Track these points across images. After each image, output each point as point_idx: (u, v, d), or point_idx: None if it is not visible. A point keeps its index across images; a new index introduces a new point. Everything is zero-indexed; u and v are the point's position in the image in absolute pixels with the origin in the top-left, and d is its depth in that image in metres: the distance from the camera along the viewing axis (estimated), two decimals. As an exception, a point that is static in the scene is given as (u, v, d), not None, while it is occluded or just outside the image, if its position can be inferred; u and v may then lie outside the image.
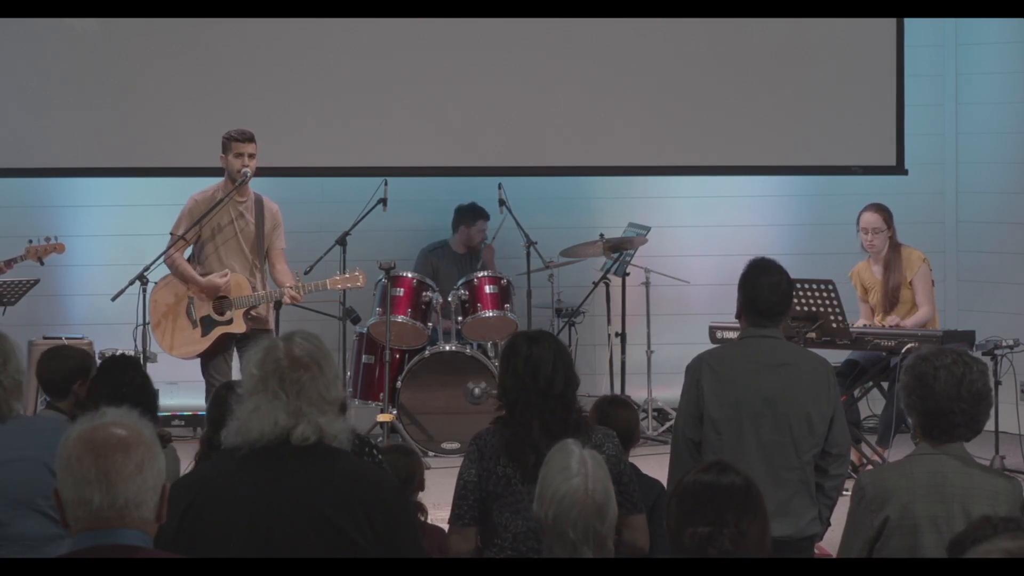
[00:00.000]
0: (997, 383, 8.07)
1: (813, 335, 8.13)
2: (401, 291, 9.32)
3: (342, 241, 8.97)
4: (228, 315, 8.25)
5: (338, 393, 3.73)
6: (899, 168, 10.21)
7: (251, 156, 8.24)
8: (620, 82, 9.99)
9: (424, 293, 9.36)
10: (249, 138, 8.26)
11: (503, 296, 9.40)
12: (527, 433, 4.62)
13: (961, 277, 10.56)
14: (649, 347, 10.02)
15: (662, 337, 10.03)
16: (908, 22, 10.18)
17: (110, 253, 9.86)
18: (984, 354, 8.24)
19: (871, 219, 8.73)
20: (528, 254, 9.38)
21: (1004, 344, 8.42)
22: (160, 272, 8.36)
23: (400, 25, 9.64)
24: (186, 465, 5.64)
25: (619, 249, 9.73)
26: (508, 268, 9.69)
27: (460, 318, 9.38)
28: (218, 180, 8.34)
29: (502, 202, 9.46)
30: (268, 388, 3.65)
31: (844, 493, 5.15)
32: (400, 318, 9.27)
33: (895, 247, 8.75)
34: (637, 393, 9.88)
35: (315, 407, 3.65)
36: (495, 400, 4.82)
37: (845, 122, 10.15)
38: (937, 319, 8.82)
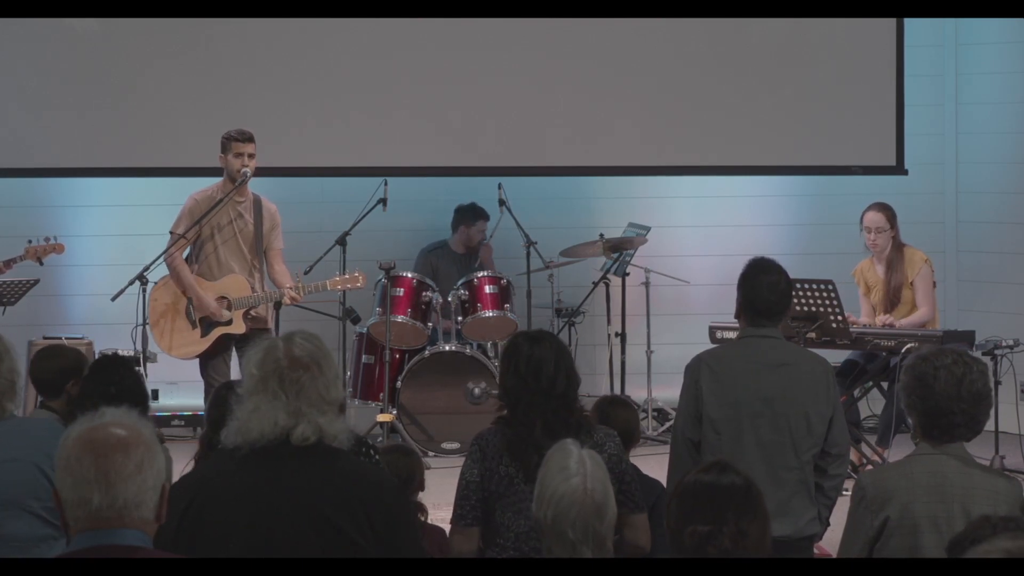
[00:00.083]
0: (997, 383, 8.07)
1: (813, 335, 8.13)
2: (401, 291, 9.32)
3: (342, 241, 8.98)
4: (227, 316, 8.25)
5: (338, 393, 3.73)
6: (899, 168, 10.21)
7: (251, 156, 8.24)
8: (620, 82, 9.99)
9: (424, 293, 9.36)
10: (249, 138, 8.26)
11: (503, 296, 9.40)
12: (529, 433, 4.62)
13: (961, 277, 10.56)
14: (649, 347, 10.02)
15: (662, 337, 10.03)
16: (908, 22, 10.18)
17: (110, 253, 9.86)
18: (984, 354, 8.24)
19: (874, 218, 8.74)
20: (528, 254, 9.38)
21: (1004, 344, 8.42)
22: (160, 272, 8.35)
23: (400, 25, 9.64)
24: (182, 465, 5.63)
25: (619, 249, 9.73)
26: (508, 268, 9.69)
27: (460, 318, 9.38)
28: (217, 180, 8.35)
29: (502, 202, 9.46)
30: (268, 388, 3.65)
31: (844, 493, 5.15)
32: (400, 318, 9.27)
33: (898, 247, 8.76)
34: (637, 393, 9.88)
35: (315, 407, 3.65)
36: (495, 400, 4.82)
37: (845, 122, 10.15)
38: (937, 320, 8.81)
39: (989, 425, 5.61)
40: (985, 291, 10.43)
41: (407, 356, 9.43)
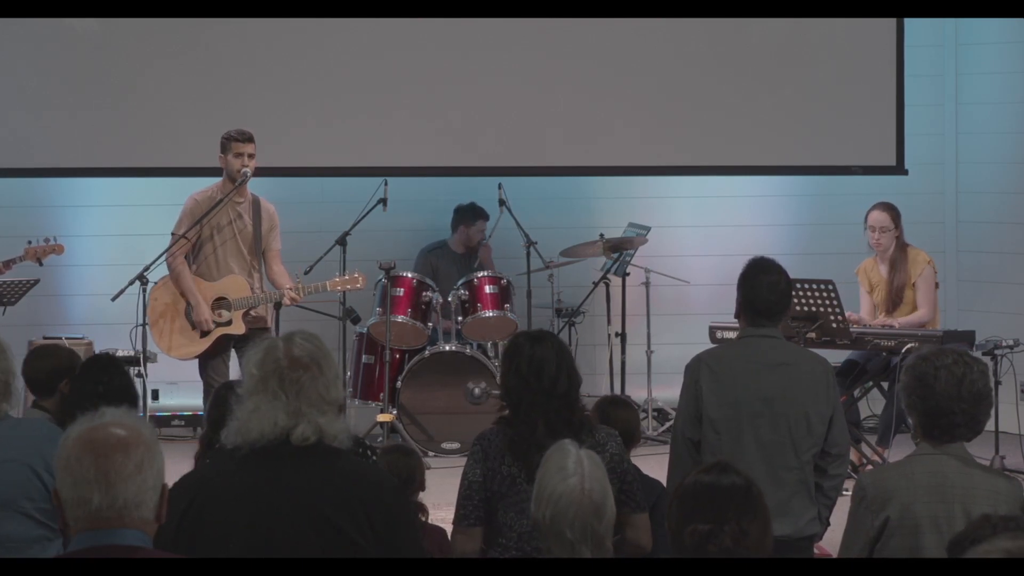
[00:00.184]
0: (997, 383, 8.07)
1: (813, 335, 8.13)
2: (401, 291, 9.32)
3: (342, 241, 8.98)
4: (227, 316, 8.25)
5: (338, 393, 3.73)
6: (899, 168, 10.21)
7: (250, 156, 8.24)
8: (620, 82, 9.99)
9: (424, 293, 9.35)
10: (248, 138, 8.26)
11: (503, 296, 9.40)
12: (531, 433, 4.62)
13: (961, 277, 10.55)
14: (649, 347, 10.02)
15: (662, 337, 10.03)
16: (908, 22, 10.17)
17: (110, 253, 9.86)
18: (984, 354, 8.24)
19: (879, 218, 8.74)
20: (528, 254, 9.38)
21: (1004, 344, 8.42)
22: (160, 272, 8.36)
23: (400, 25, 9.64)
24: (178, 465, 5.62)
25: (619, 249, 9.73)
26: (508, 268, 9.69)
27: (460, 318, 9.38)
28: (216, 180, 8.35)
29: (502, 202, 9.46)
30: (268, 388, 3.64)
31: (844, 493, 5.15)
32: (400, 318, 9.27)
33: (902, 247, 8.77)
34: (637, 393, 9.87)
35: (315, 407, 3.65)
36: (496, 400, 4.82)
37: (845, 122, 10.14)
38: (938, 320, 8.82)
39: (989, 425, 5.61)
40: (985, 291, 10.43)
41: (407, 356, 9.43)
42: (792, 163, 10.28)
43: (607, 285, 9.94)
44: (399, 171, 9.68)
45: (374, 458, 4.64)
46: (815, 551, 5.54)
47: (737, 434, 5.16)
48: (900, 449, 7.77)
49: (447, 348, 9.35)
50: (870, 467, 8.17)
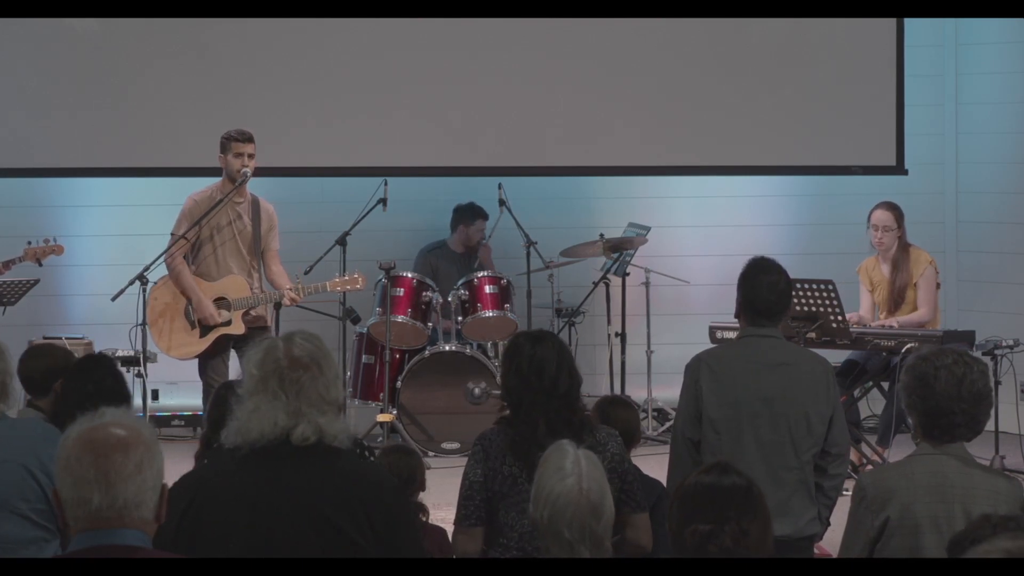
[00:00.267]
0: (997, 383, 8.07)
1: (813, 335, 8.13)
2: (401, 291, 9.32)
3: (342, 241, 8.98)
4: (226, 316, 8.25)
5: (338, 393, 3.72)
6: (899, 168, 10.21)
7: (250, 156, 8.24)
8: (620, 82, 9.99)
9: (424, 293, 9.35)
10: (248, 138, 8.26)
11: (503, 296, 9.40)
12: (532, 433, 4.62)
13: (961, 277, 10.56)
14: (649, 347, 10.01)
15: (662, 337, 10.03)
16: (908, 22, 10.17)
17: (110, 253, 9.86)
18: (984, 354, 8.24)
19: (882, 217, 8.74)
20: (528, 254, 9.38)
21: (1004, 344, 8.42)
22: (159, 272, 8.36)
23: (400, 25, 9.64)
24: (178, 465, 5.62)
25: (619, 249, 9.73)
26: (508, 268, 9.69)
27: (460, 318, 9.38)
28: (215, 180, 8.35)
29: (502, 202, 9.46)
30: (268, 388, 3.64)
31: (844, 493, 5.15)
32: (400, 318, 9.27)
33: (904, 247, 8.76)
34: (637, 393, 9.87)
35: (315, 407, 3.64)
36: (496, 400, 4.83)
37: (845, 122, 10.14)
38: (938, 320, 8.81)
39: (989, 425, 5.61)
40: (985, 291, 10.43)
41: (407, 356, 9.43)
42: (792, 163, 10.28)
43: (607, 285, 9.94)
44: (399, 171, 9.68)
45: (372, 460, 4.63)
46: (815, 551, 5.54)
47: (737, 434, 5.16)
48: (900, 449, 7.77)
49: (447, 348, 9.35)
50: (870, 467, 8.17)
